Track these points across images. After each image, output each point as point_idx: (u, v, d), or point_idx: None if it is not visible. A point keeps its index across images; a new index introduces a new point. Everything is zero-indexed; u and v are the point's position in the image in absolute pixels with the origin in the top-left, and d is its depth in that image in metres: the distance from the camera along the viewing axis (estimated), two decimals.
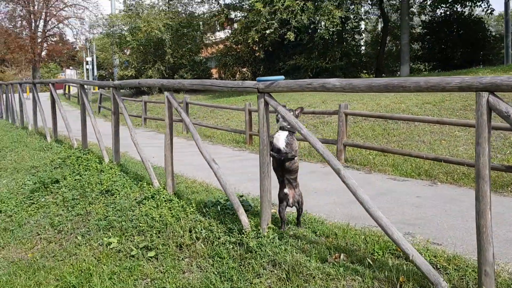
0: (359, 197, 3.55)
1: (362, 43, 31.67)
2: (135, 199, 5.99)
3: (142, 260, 4.70)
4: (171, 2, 27.28)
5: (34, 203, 7.30)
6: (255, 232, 4.45)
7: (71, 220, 6.26)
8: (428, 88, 3.10)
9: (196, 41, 27.16)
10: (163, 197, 5.79)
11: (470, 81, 2.86)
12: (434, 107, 12.25)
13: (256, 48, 26.09)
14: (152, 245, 4.91)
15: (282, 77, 4.24)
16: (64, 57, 58.17)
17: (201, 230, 4.83)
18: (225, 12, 24.31)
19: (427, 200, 6.00)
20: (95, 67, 41.51)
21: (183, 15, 26.91)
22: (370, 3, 26.98)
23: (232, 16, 25.67)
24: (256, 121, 14.57)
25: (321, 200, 6.02)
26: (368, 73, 28.90)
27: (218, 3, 25.62)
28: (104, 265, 4.79)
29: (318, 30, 21.33)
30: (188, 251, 4.64)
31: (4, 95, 17.40)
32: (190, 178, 7.25)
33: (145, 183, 6.43)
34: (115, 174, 7.11)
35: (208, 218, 5.10)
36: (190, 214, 5.28)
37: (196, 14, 27.62)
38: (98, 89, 25.28)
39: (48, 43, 54.09)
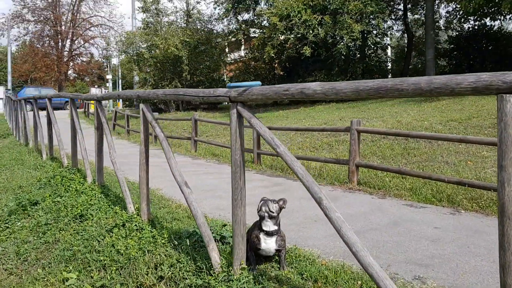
0: (344, 236, 2.70)
1: (388, 59, 30.65)
2: (106, 227, 5.25)
3: None
4: (190, 19, 27.01)
5: (8, 227, 6.66)
6: (225, 273, 3.62)
7: (38, 249, 5.55)
8: (431, 91, 2.26)
9: (214, 59, 26.72)
10: (135, 225, 5.03)
11: (489, 80, 2.01)
12: (459, 125, 11.22)
13: (275, 65, 25.45)
14: (110, 284, 4.13)
15: (258, 82, 3.46)
16: (93, 77, 59.12)
17: (168, 267, 4.03)
18: (242, 28, 23.82)
19: (447, 232, 5.05)
20: (119, 84, 41.71)
21: (202, 32, 26.56)
22: (394, 18, 26.06)
23: (251, 32, 25.14)
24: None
25: (319, 231, 5.14)
26: None
27: (237, 20, 25.19)
28: None
29: (337, 45, 20.52)
30: None
31: (14, 112, 17.21)
32: (177, 202, 6.48)
33: (118, 208, 5.68)
34: (94, 197, 6.41)
35: (179, 252, 4.29)
36: (160, 246, 4.49)
37: (215, 32, 27.25)
38: (115, 107, 25.08)
39: (75, 62, 55.04)
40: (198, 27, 27.04)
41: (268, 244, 3.69)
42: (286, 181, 8.61)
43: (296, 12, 18.98)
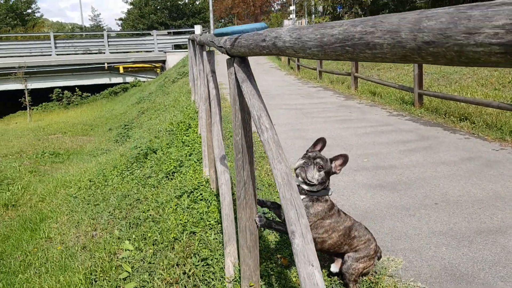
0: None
1: None
2: (176, 192, 4.72)
3: None
4: None
5: (129, 175, 6.79)
6: None
7: (129, 206, 5.42)
8: (420, 50, 0.83)
9: None
10: (200, 195, 4.36)
11: None
12: None
13: None
14: (142, 269, 3.61)
15: (261, 24, 2.22)
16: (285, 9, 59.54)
17: (196, 263, 3.27)
18: None
19: None
20: (306, 16, 41.01)
21: None
22: None
23: None
24: (431, 75, 11.37)
25: (430, 224, 3.63)
26: None
27: None
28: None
29: None
30: None
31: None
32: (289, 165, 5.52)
33: (191, 170, 5.07)
34: (194, 151, 5.93)
35: (220, 241, 3.48)
36: (207, 229, 3.74)
37: None
38: None
39: None
40: None
41: None
42: (440, 133, 6.81)
43: None
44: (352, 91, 11.70)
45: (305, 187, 2.63)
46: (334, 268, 2.79)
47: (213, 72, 3.98)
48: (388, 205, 4.03)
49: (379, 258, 2.81)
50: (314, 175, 2.59)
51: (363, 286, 2.71)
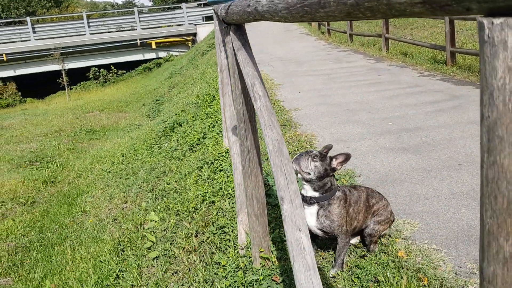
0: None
1: None
2: (198, 163, 4.79)
3: (143, 261, 3.60)
4: None
5: (157, 149, 6.94)
6: (246, 258, 2.72)
7: (156, 178, 5.56)
8: (359, 5, 0.79)
9: None
10: (220, 166, 4.41)
11: None
12: None
13: None
14: (165, 239, 3.73)
15: None
16: None
17: (214, 231, 3.34)
18: None
19: None
20: None
21: None
22: None
23: None
24: (466, 32, 10.85)
25: (452, 185, 3.54)
26: None
27: None
28: (106, 261, 3.91)
29: None
30: (183, 262, 3.27)
31: None
32: (303, 130, 5.46)
33: (213, 141, 5.11)
34: (216, 122, 5.97)
35: None
36: (223, 198, 3.79)
37: None
38: None
39: None
40: None
41: (307, 217, 2.49)
42: (472, 91, 6.55)
43: None
44: (383, 53, 11.34)
45: (306, 187, 2.50)
46: (355, 240, 2.78)
47: (224, 42, 3.95)
48: (410, 168, 3.94)
49: (391, 222, 2.78)
50: (309, 165, 2.44)
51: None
